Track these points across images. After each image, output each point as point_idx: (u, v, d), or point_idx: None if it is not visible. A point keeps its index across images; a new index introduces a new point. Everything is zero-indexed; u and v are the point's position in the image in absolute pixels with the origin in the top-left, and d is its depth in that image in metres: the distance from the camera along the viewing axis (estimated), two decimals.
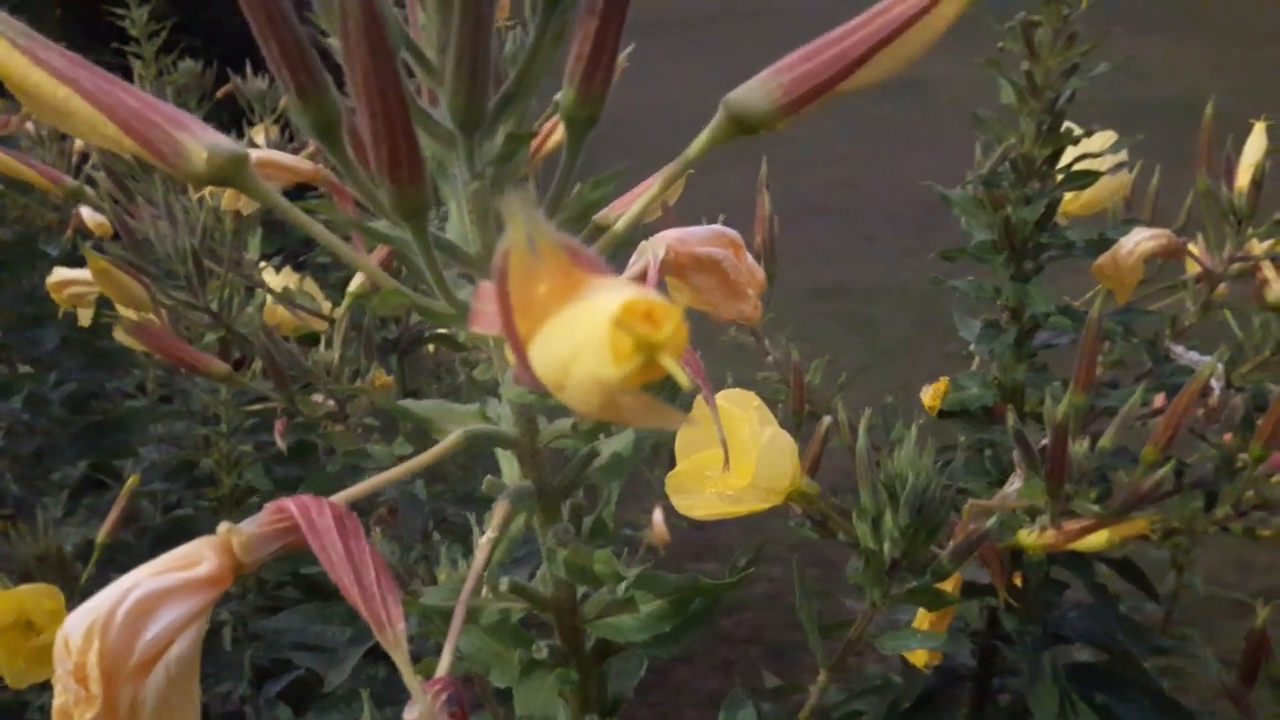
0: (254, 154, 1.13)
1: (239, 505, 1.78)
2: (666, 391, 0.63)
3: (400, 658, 0.51)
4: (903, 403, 1.30)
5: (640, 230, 0.69)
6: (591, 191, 0.55)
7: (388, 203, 0.46)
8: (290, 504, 0.53)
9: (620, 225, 0.59)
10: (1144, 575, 1.26)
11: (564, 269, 0.35)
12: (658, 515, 2.56)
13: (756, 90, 0.55)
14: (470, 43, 0.43)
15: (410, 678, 0.51)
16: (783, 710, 1.68)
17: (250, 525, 0.53)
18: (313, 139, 0.49)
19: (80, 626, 0.49)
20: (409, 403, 0.61)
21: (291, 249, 2.27)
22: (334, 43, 0.54)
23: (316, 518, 0.53)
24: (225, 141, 0.54)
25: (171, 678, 0.50)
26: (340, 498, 0.55)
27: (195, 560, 0.52)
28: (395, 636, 0.51)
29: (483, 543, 0.59)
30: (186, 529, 1.89)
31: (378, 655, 1.53)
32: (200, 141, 0.53)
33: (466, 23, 0.42)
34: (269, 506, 0.54)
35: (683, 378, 0.32)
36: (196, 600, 0.51)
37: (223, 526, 0.53)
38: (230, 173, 0.53)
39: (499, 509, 0.61)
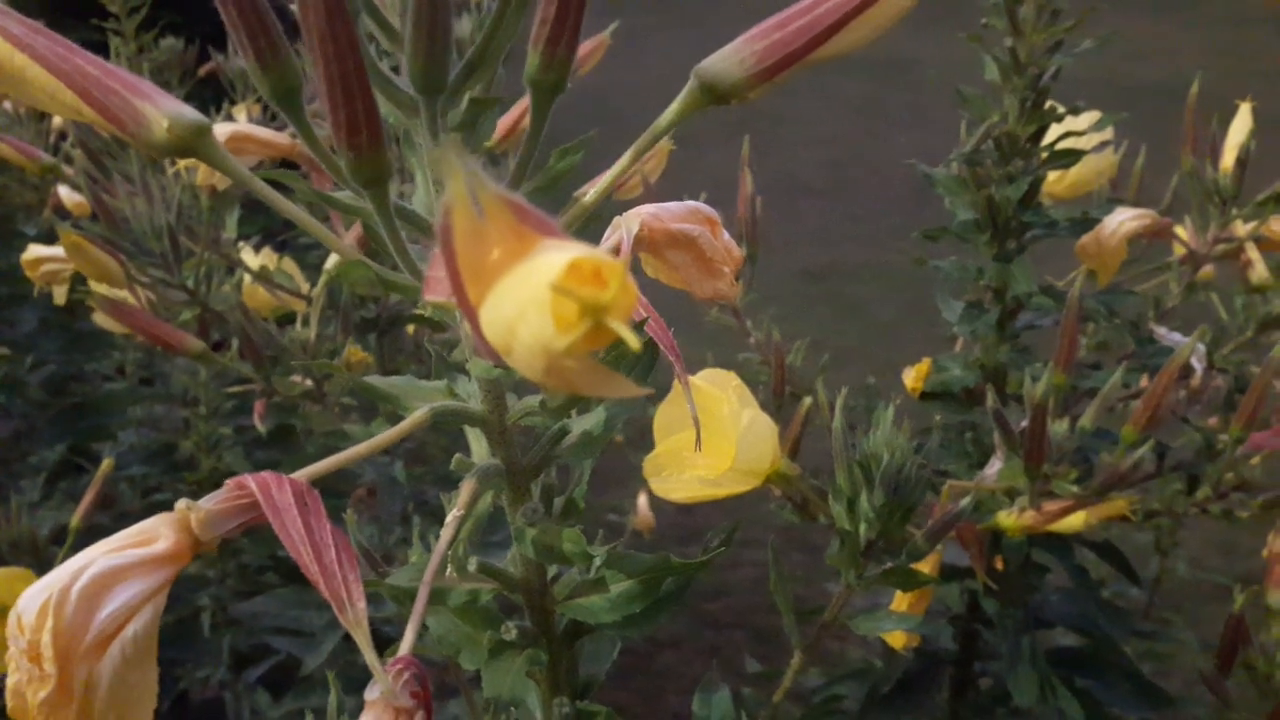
0: (230, 128, 1.11)
1: (217, 489, 1.76)
2: (640, 366, 0.62)
3: (361, 636, 0.50)
4: (889, 385, 1.29)
5: (617, 207, 0.69)
6: (559, 160, 0.53)
7: (347, 169, 0.45)
8: (250, 480, 0.52)
9: (590, 197, 0.58)
10: (1125, 559, 1.26)
11: (512, 229, 0.33)
12: (642, 500, 2.55)
13: (729, 58, 0.54)
14: (428, 6, 0.42)
15: (371, 656, 0.50)
16: (764, 694, 1.67)
17: (209, 502, 0.52)
18: (273, 105, 0.48)
19: (34, 604, 0.48)
20: (375, 379, 0.60)
21: (272, 230, 2.25)
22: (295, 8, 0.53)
23: (276, 495, 0.52)
24: (187, 111, 0.52)
25: (128, 656, 0.49)
26: (303, 474, 0.54)
27: (152, 537, 0.51)
28: (356, 615, 0.50)
29: (448, 521, 0.58)
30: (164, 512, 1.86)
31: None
32: (161, 110, 0.52)
33: None
34: (229, 483, 0.53)
35: (631, 339, 0.31)
36: (153, 578, 0.50)
37: (181, 503, 0.51)
38: (191, 142, 0.52)
39: (466, 487, 0.60)
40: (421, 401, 0.60)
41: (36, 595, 0.48)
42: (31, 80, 0.53)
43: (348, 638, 1.48)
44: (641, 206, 0.72)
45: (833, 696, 1.39)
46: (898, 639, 1.02)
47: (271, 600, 1.49)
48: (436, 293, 0.41)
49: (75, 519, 1.43)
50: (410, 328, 1.68)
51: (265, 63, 0.47)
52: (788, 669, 1.66)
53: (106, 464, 1.47)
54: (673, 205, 0.73)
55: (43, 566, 1.44)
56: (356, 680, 1.53)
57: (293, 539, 0.50)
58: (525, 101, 0.97)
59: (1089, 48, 1.11)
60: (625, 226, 0.71)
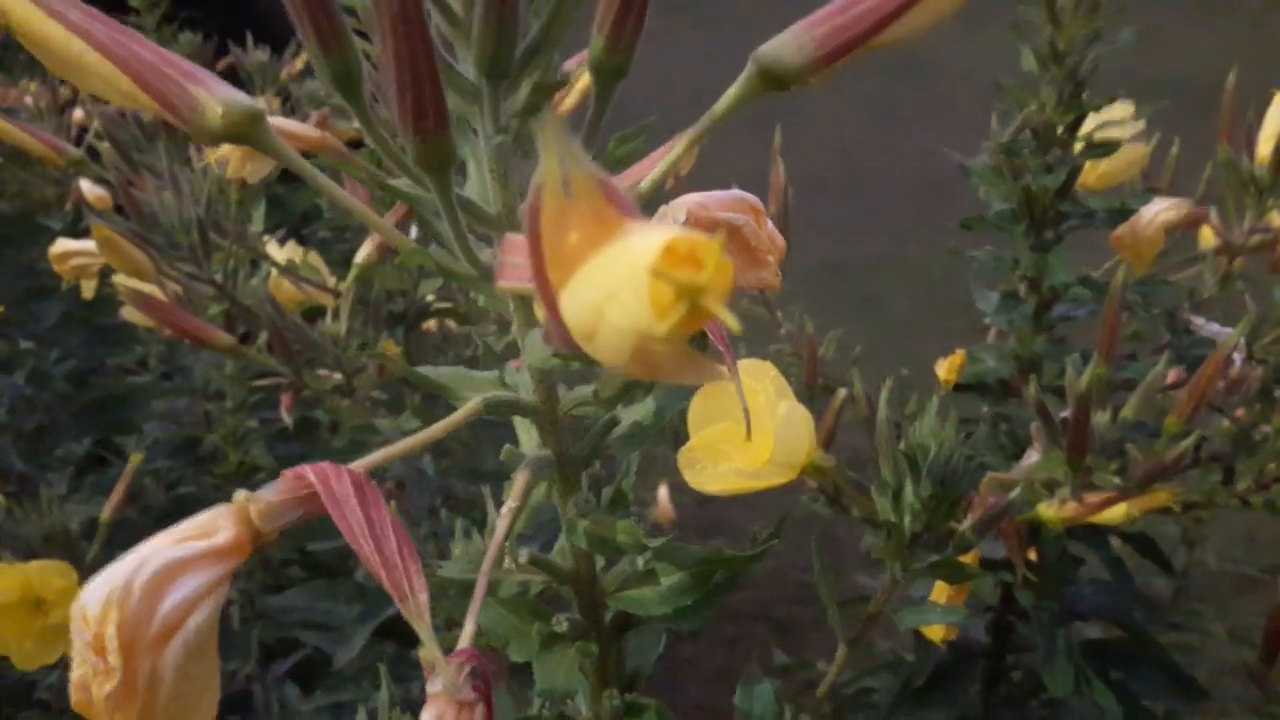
0: None
1: (244, 482, 1.76)
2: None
3: (423, 628, 0.49)
4: (908, 378, 1.28)
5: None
6: (619, 146, 0.53)
7: (411, 155, 0.44)
8: (309, 471, 0.52)
9: (645, 184, 0.57)
10: (1160, 550, 1.25)
11: (597, 210, 0.33)
12: (663, 493, 2.55)
13: (789, 44, 0.53)
14: None
15: (434, 649, 0.49)
16: (792, 687, 1.67)
17: (268, 493, 0.52)
18: (334, 91, 0.47)
19: (98, 598, 0.48)
20: (427, 369, 0.60)
21: (293, 224, 2.25)
22: None
23: (336, 485, 0.51)
24: (241, 97, 0.52)
25: (190, 649, 0.49)
26: (359, 465, 0.53)
27: (213, 529, 0.50)
28: (418, 607, 0.50)
29: (503, 512, 0.57)
30: (191, 506, 1.87)
31: (386, 632, 1.52)
32: (216, 96, 0.51)
33: None
34: (287, 474, 0.52)
35: (731, 320, 0.30)
36: (215, 570, 0.50)
37: (240, 494, 0.51)
38: (246, 128, 0.51)
39: (519, 478, 0.59)
40: (474, 392, 0.60)
41: (100, 588, 0.48)
42: (89, 66, 0.52)
43: (378, 632, 1.49)
44: (687, 195, 0.71)
45: (863, 690, 1.38)
46: (936, 631, 1.02)
47: (301, 594, 1.49)
48: (512, 279, 0.40)
49: (106, 513, 1.43)
50: (432, 323, 1.68)
51: (328, 48, 0.46)
52: (816, 662, 1.65)
53: (136, 458, 1.47)
54: (719, 194, 0.72)
55: (74, 560, 1.44)
56: (388, 674, 1.51)
57: (353, 530, 0.50)
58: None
59: (1128, 39, 1.10)
60: (672, 215, 0.70)
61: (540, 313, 0.51)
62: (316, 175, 0.53)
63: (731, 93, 0.55)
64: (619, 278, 0.31)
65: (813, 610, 2.65)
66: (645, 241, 0.30)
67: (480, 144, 0.52)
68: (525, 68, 0.49)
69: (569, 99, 0.87)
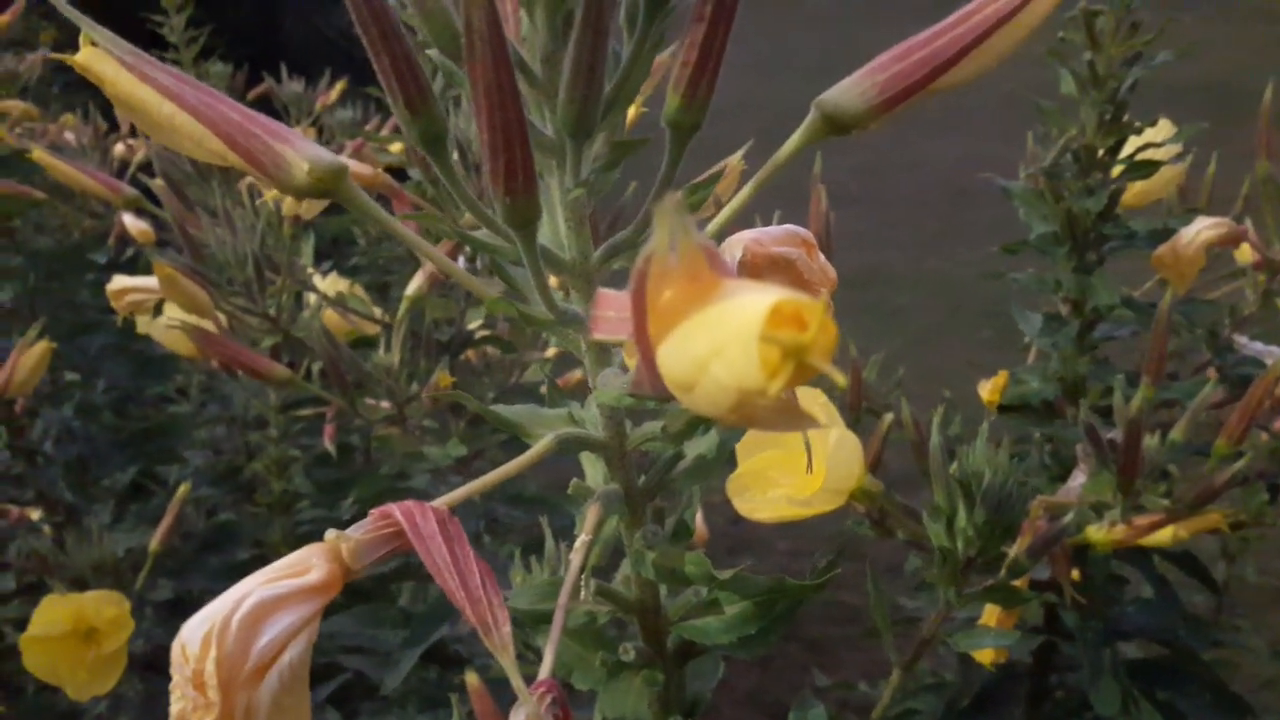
0: None
1: (287, 510, 1.79)
2: None
3: (507, 660, 0.51)
4: (933, 392, 1.29)
5: None
6: (690, 195, 0.55)
7: (501, 213, 0.46)
8: (395, 510, 0.54)
9: (712, 227, 0.59)
10: (1204, 568, 1.26)
11: (694, 272, 0.35)
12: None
13: (850, 90, 0.55)
14: (589, 55, 0.43)
15: (518, 680, 0.51)
16: (828, 707, 1.67)
17: (357, 531, 0.54)
18: (420, 150, 0.49)
19: (197, 634, 0.50)
20: (501, 408, 0.62)
21: (324, 250, 2.28)
22: (431, 53, 0.55)
23: (421, 523, 0.53)
24: (325, 154, 0.54)
25: (285, 683, 0.51)
26: (441, 502, 0.55)
27: (305, 568, 0.52)
28: (502, 640, 0.52)
29: (578, 545, 0.59)
30: (231, 534, 1.90)
31: (428, 657, 1.53)
32: (301, 154, 0.54)
33: (586, 35, 0.42)
34: (374, 513, 0.54)
35: (839, 377, 0.32)
36: (307, 607, 0.52)
37: (331, 534, 0.53)
38: (331, 184, 0.54)
39: (592, 512, 0.61)
40: (545, 429, 0.62)
41: (199, 625, 0.50)
42: (179, 128, 0.55)
43: (421, 656, 1.50)
44: (742, 232, 0.73)
45: (907, 711, 1.39)
46: (986, 655, 1.02)
47: (347, 619, 1.51)
48: (605, 331, 0.42)
49: (155, 544, 1.46)
50: (471, 351, 1.70)
51: (415, 110, 0.48)
52: (856, 684, 1.65)
53: (184, 489, 1.50)
54: (772, 229, 0.74)
55: (121, 588, 1.47)
56: (430, 699, 1.54)
57: (438, 566, 0.52)
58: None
59: (1167, 58, 1.11)
60: (729, 253, 0.72)
61: (631, 361, 0.53)
62: (397, 227, 0.55)
63: (795, 138, 0.57)
64: (725, 336, 0.33)
65: (846, 630, 2.64)
66: (753, 303, 0.32)
67: (556, 194, 0.54)
68: (601, 122, 0.51)
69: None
